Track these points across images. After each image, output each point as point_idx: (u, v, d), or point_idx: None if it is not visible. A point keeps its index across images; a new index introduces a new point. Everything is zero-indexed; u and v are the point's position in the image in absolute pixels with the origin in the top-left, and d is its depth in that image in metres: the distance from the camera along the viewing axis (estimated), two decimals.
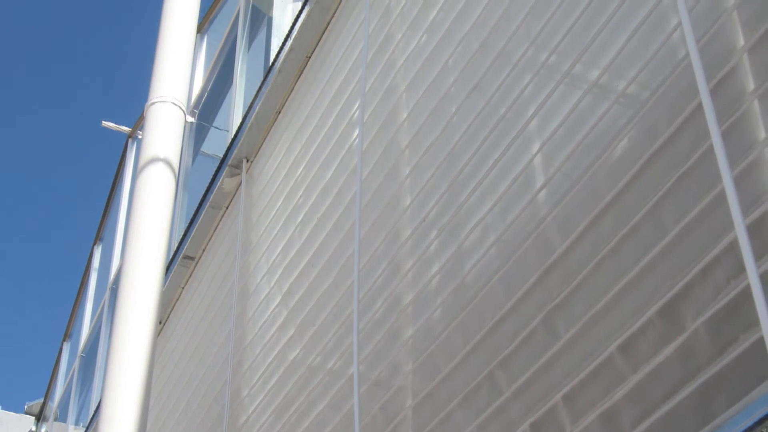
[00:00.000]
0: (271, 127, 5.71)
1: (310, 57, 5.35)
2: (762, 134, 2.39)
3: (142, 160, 4.41)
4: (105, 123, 10.25)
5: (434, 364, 3.53)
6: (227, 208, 6.24)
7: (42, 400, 13.02)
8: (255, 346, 5.17)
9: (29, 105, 34.06)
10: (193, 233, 6.46)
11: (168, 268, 6.31)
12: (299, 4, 6.04)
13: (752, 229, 2.30)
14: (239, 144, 5.89)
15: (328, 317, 4.38)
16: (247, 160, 5.96)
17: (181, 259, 6.64)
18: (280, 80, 5.50)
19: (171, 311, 6.97)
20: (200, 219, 6.36)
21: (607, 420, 2.71)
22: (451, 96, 3.80)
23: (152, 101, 4.58)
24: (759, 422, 2.20)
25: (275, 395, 4.79)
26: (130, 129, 10.15)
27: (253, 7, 6.98)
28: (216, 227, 6.38)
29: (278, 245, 5.16)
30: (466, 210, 3.52)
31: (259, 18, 6.93)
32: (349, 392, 3.99)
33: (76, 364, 10.61)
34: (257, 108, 5.67)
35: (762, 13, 2.43)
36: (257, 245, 5.50)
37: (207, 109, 7.80)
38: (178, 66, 4.70)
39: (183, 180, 7.40)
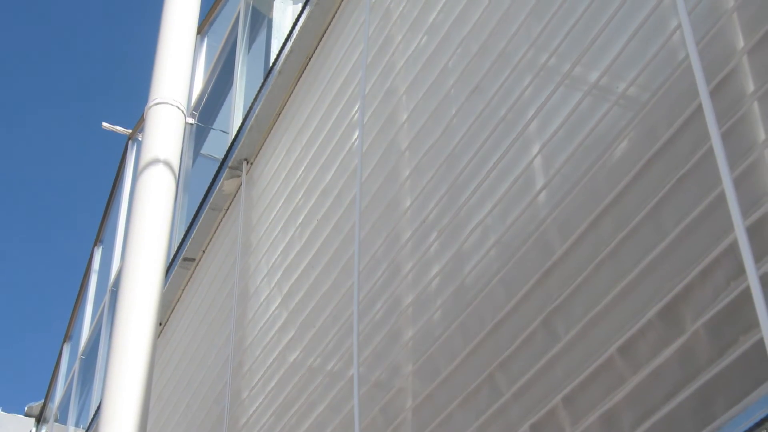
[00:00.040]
0: (271, 129, 5.71)
1: (310, 59, 5.35)
2: (762, 136, 2.39)
3: (143, 162, 4.41)
4: (105, 124, 10.26)
5: (434, 365, 3.53)
6: (227, 209, 6.24)
7: (42, 401, 13.02)
8: (255, 348, 5.17)
9: (29, 106, 34.08)
10: (193, 235, 6.46)
11: (168, 269, 6.32)
12: (299, 6, 6.05)
13: (752, 231, 2.30)
14: (239, 146, 5.89)
15: (328, 319, 4.37)
16: (248, 162, 5.96)
17: (181, 260, 6.64)
18: (281, 82, 5.50)
19: (171, 313, 6.97)
20: (200, 220, 6.36)
21: (607, 421, 2.71)
22: (451, 98, 3.80)
23: (152, 103, 4.58)
24: (759, 424, 2.20)
25: (275, 397, 4.79)
26: (130, 130, 10.15)
27: (253, 8, 6.98)
28: (216, 229, 6.38)
29: (278, 247, 5.16)
30: (466, 211, 3.52)
31: (259, 20, 6.93)
32: (349, 394, 3.99)
33: (77, 365, 10.61)
34: (257, 110, 5.67)
35: (762, 14, 2.43)
36: (257, 247, 5.50)
37: (207, 110, 7.80)
38: (178, 68, 4.71)
39: (183, 182, 7.41)
